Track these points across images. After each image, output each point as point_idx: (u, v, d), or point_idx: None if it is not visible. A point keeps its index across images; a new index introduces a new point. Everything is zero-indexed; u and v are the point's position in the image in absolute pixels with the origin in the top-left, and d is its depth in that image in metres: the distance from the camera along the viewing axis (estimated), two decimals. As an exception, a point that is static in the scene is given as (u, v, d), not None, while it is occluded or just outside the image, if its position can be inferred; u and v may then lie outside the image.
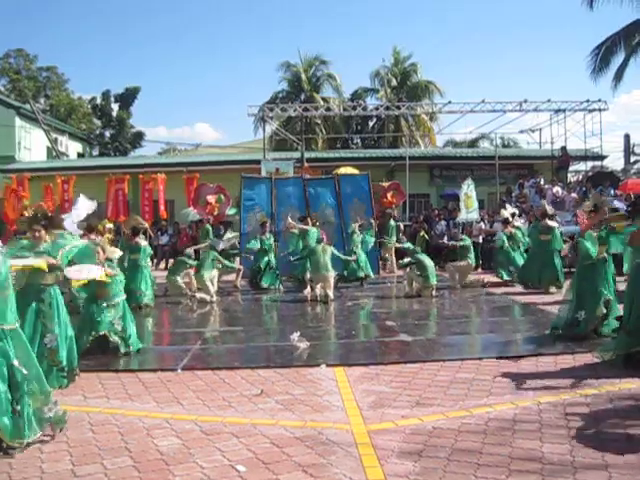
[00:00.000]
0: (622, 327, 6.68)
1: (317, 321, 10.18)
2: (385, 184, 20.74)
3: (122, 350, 7.46)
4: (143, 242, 12.46)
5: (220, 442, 4.62)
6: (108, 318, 7.38)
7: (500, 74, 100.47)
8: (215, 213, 19.21)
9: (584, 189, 20.41)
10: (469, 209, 18.09)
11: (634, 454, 4.22)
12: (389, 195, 20.03)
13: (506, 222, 15.19)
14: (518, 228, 15.19)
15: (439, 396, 5.62)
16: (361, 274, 14.78)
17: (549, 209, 13.42)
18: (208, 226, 17.44)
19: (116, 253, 8.35)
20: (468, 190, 18.23)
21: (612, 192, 19.20)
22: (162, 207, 22.38)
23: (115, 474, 4.11)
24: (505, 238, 14.81)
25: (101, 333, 7.35)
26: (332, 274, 12.55)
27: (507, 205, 18.36)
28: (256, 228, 15.58)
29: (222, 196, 19.33)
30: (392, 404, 5.43)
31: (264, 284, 14.45)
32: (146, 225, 14.28)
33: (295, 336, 7.96)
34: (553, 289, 12.71)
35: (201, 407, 5.50)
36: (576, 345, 7.43)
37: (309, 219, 14.91)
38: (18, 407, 4.54)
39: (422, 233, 19.34)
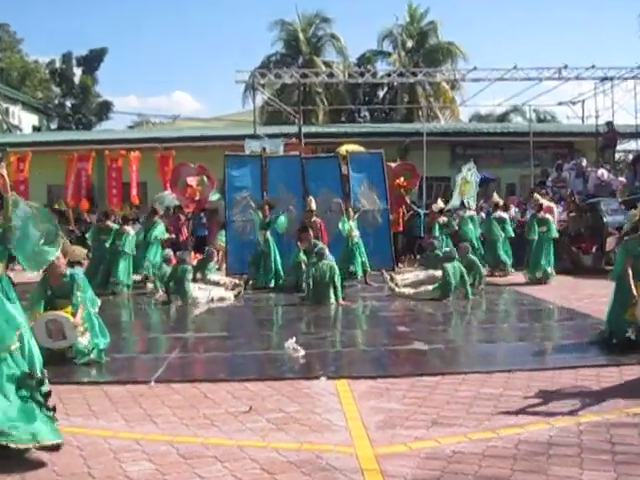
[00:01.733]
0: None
1: (316, 326, 10.18)
2: (396, 164, 20.61)
3: (82, 360, 7.50)
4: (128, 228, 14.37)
5: (201, 467, 4.62)
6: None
7: (535, 35, 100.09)
8: (196, 198, 19.15)
9: (634, 172, 20.41)
10: (465, 195, 18.33)
11: (691, 484, 4.22)
12: (401, 178, 19.90)
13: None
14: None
15: (460, 414, 5.62)
16: (358, 270, 14.82)
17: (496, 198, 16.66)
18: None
19: (82, 254, 8.38)
20: (468, 174, 18.43)
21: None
22: (134, 191, 22.37)
23: (76, 504, 4.12)
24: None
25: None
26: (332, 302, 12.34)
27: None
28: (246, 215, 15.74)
29: (205, 178, 19.24)
30: (404, 424, 5.43)
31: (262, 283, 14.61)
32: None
33: (290, 343, 7.97)
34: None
35: (178, 426, 5.50)
36: (623, 356, 7.44)
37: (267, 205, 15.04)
38: None
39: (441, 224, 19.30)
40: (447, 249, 13.88)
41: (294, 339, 8.08)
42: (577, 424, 5.29)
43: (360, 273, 14.94)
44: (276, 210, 14.97)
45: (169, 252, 14.35)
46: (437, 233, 17.60)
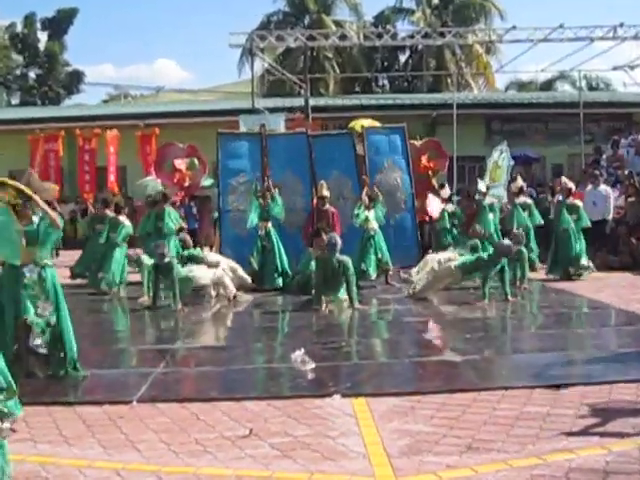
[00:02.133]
0: None
1: (328, 334, 10.19)
2: (420, 143, 20.49)
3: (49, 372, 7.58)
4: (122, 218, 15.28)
5: (192, 502, 4.64)
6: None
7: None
8: (186, 184, 19.12)
9: None
10: (495, 182, 18.35)
11: None
12: (424, 158, 19.74)
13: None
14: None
15: (500, 437, 5.61)
16: (371, 270, 14.70)
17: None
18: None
19: (53, 189, 8.62)
20: (499, 158, 18.43)
21: None
22: (112, 176, 22.41)
23: None
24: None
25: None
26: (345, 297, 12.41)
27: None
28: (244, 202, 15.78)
29: (196, 160, 19.22)
30: (433, 449, 5.42)
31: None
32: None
33: (297, 355, 7.97)
34: None
35: (165, 453, 5.51)
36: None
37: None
38: None
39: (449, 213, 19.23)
40: (472, 242, 13.79)
41: (302, 350, 8.08)
42: (638, 448, 5.28)
43: (373, 273, 14.71)
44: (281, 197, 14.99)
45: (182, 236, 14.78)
46: (447, 224, 17.53)
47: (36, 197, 7.13)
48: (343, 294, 12.17)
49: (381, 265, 14.83)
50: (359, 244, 14.63)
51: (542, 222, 17.46)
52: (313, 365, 7.82)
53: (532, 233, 17.10)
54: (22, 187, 7.02)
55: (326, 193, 15.09)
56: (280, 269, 14.73)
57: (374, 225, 14.88)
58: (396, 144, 17.36)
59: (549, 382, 7.17)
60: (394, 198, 16.68)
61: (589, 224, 15.78)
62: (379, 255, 14.80)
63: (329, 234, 12.78)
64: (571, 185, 16.23)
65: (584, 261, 15.33)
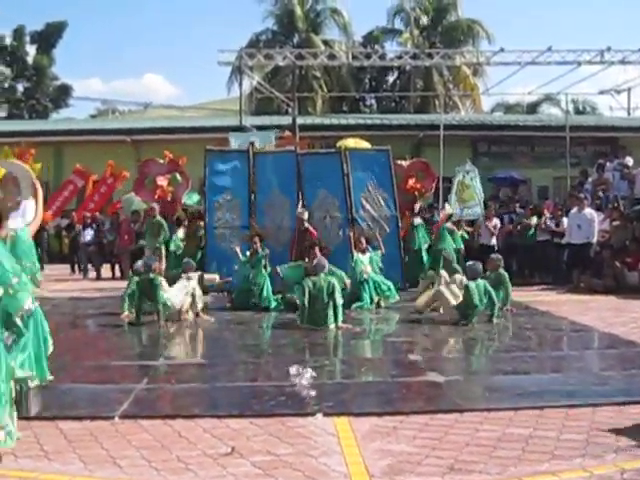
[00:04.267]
0: None
1: (311, 353, 10.20)
2: (407, 163, 20.56)
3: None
4: None
5: (173, 519, 4.62)
6: None
7: (573, 11, 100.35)
8: (168, 200, 19.06)
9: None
10: (466, 202, 18.53)
11: None
12: (412, 180, 19.77)
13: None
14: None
15: (482, 459, 5.61)
16: (364, 301, 14.48)
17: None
18: (160, 219, 17.48)
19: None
20: (466, 178, 18.59)
21: None
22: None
23: None
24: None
25: None
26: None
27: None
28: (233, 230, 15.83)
29: (177, 175, 19.19)
30: (416, 469, 5.42)
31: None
32: None
33: (295, 369, 7.99)
34: None
35: (147, 470, 5.49)
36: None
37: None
38: None
39: (460, 232, 19.33)
40: (470, 263, 13.78)
41: (297, 366, 8.12)
42: (620, 471, 5.28)
43: (367, 307, 14.39)
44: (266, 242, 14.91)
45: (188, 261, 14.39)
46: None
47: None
48: (332, 323, 12.07)
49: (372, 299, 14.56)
50: (350, 289, 14.22)
51: (462, 246, 18.31)
52: (314, 374, 7.93)
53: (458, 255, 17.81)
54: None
55: (305, 217, 15.19)
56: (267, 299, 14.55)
57: (368, 269, 14.63)
58: (381, 166, 17.37)
59: (532, 404, 7.18)
60: (378, 220, 16.73)
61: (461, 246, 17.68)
62: (374, 297, 14.51)
63: (318, 257, 12.84)
64: (451, 211, 18.42)
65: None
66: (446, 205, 19.12)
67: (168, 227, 17.79)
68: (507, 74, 41.90)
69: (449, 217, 18.44)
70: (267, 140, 19.90)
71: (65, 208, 23.41)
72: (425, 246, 18.12)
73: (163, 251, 17.28)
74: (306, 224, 15.16)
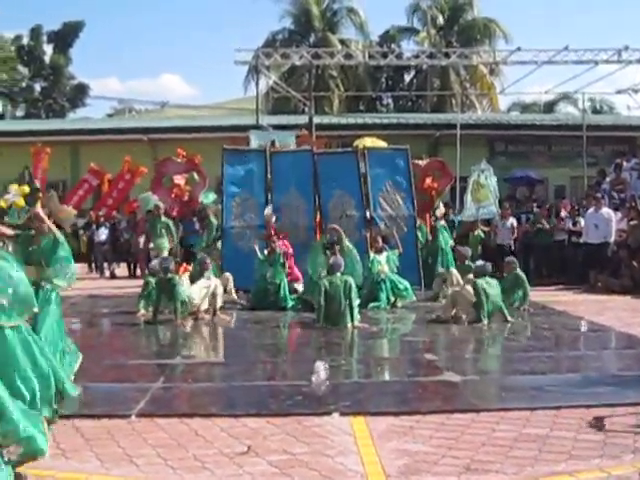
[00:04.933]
0: None
1: (328, 353, 10.14)
2: (424, 162, 20.50)
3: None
4: None
5: (189, 518, 4.62)
6: None
7: (591, 11, 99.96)
8: (185, 199, 19.08)
9: None
10: (482, 202, 18.46)
11: None
12: (429, 179, 19.72)
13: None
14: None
15: (498, 459, 5.59)
16: (381, 301, 14.41)
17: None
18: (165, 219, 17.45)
19: (70, 214, 8.66)
20: (481, 177, 18.51)
21: None
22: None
23: None
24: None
25: None
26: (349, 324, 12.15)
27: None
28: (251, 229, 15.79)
29: (195, 174, 19.19)
30: (432, 469, 5.41)
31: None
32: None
33: (319, 366, 7.99)
34: None
35: (163, 469, 5.49)
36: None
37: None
38: None
39: (477, 232, 19.29)
40: (480, 262, 13.73)
41: (323, 362, 8.11)
42: (638, 472, 5.26)
43: (384, 307, 14.31)
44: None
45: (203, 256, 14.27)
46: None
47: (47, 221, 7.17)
48: (348, 322, 12.05)
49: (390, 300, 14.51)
50: (368, 284, 14.36)
51: (453, 243, 18.34)
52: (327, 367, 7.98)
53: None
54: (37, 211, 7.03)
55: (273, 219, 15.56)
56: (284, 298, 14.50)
57: (385, 269, 14.55)
58: (399, 165, 17.31)
59: (548, 404, 7.15)
60: (395, 219, 16.69)
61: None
62: (391, 297, 14.46)
63: (335, 256, 12.82)
64: (444, 210, 19.16)
65: None
66: (440, 205, 19.25)
67: (183, 226, 17.86)
68: (524, 73, 41.48)
69: (444, 215, 18.95)
70: (287, 141, 19.88)
71: (80, 207, 23.46)
72: (449, 247, 18.05)
73: (178, 251, 17.33)
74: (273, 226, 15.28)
